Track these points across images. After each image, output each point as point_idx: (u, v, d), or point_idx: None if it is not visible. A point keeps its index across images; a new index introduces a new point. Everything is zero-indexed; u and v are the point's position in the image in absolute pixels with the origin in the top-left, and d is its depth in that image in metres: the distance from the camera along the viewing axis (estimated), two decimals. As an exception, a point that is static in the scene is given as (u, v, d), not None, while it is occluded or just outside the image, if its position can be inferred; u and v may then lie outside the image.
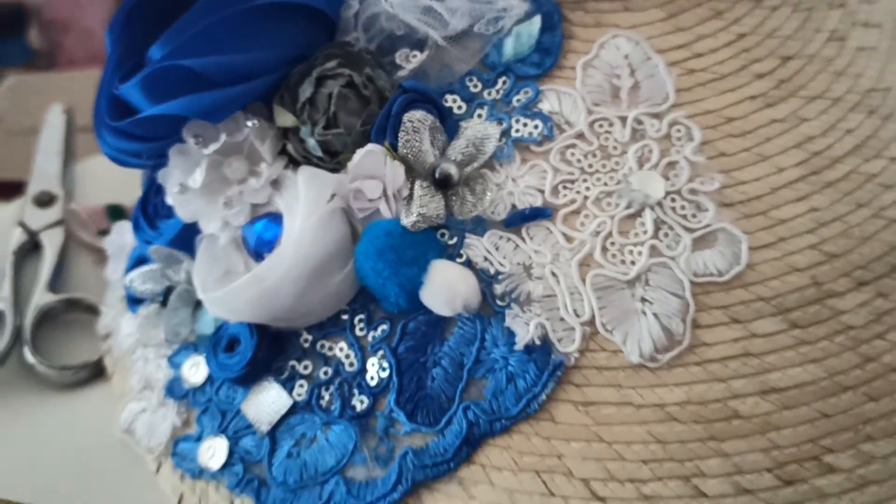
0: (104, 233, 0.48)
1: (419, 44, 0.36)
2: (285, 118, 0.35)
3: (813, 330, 0.31)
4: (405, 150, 0.34)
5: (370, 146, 0.34)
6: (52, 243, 0.47)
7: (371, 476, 0.32)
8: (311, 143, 0.35)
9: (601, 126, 0.34)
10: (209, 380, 0.36)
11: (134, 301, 0.39)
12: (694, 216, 0.33)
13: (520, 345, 0.32)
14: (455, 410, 0.32)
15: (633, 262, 0.32)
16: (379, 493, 0.31)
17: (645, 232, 0.32)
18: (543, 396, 0.31)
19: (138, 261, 0.40)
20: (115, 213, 0.49)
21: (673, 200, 0.33)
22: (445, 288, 0.32)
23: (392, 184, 0.33)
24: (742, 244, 0.32)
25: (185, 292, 0.36)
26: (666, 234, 0.32)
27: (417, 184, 0.34)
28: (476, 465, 0.31)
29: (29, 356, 0.41)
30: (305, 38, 0.36)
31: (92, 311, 0.44)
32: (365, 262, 0.33)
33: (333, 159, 0.35)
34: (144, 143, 0.36)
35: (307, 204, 0.33)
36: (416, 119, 0.34)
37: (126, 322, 0.41)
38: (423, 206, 0.33)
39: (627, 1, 0.36)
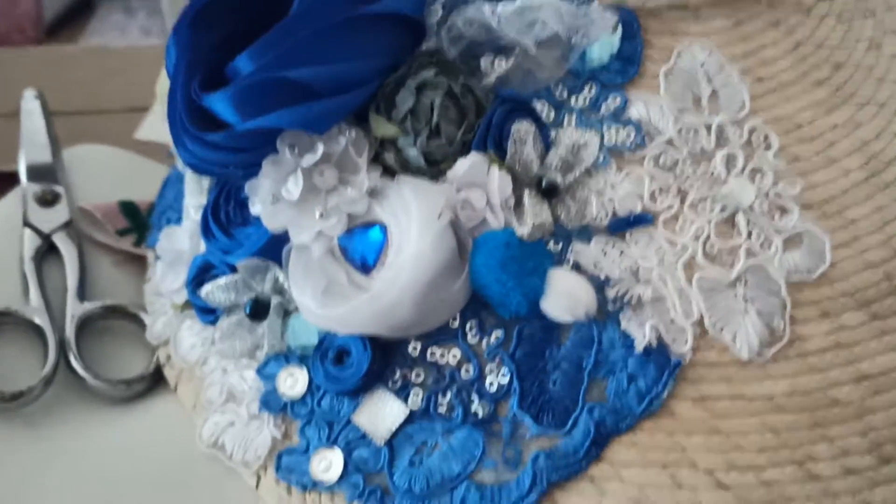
0: (122, 232, 0.45)
1: (500, 50, 0.35)
2: (386, 128, 0.33)
3: (892, 321, 0.34)
4: (512, 161, 0.33)
5: (474, 155, 0.33)
6: (66, 246, 0.43)
7: (501, 480, 0.32)
8: (413, 153, 0.33)
9: (688, 133, 0.35)
10: (309, 391, 0.35)
11: (205, 311, 0.37)
12: (781, 219, 0.34)
13: (639, 347, 0.32)
14: (580, 412, 0.32)
15: (731, 265, 0.33)
16: (515, 495, 0.31)
17: (740, 235, 0.34)
18: (665, 395, 0.32)
19: (202, 269, 0.37)
20: (129, 210, 0.45)
21: (761, 204, 0.34)
22: (567, 296, 0.32)
23: (499, 194, 0.33)
24: (826, 244, 0.34)
25: (279, 305, 0.35)
26: (758, 237, 0.34)
27: (526, 193, 0.33)
28: (605, 462, 0.32)
29: (81, 371, 0.38)
30: (398, 46, 0.34)
31: (131, 318, 0.41)
32: (488, 274, 0.32)
33: (433, 169, 0.34)
34: (233, 153, 0.33)
35: (422, 216, 0.32)
36: (523, 130, 0.33)
37: (188, 332, 0.38)
38: (536, 215, 0.33)
39: (697, 10, 0.37)
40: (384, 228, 0.33)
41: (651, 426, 0.32)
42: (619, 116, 0.35)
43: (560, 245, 0.33)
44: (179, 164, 0.42)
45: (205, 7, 0.34)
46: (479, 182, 0.33)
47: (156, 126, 0.55)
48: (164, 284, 0.39)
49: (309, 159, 0.33)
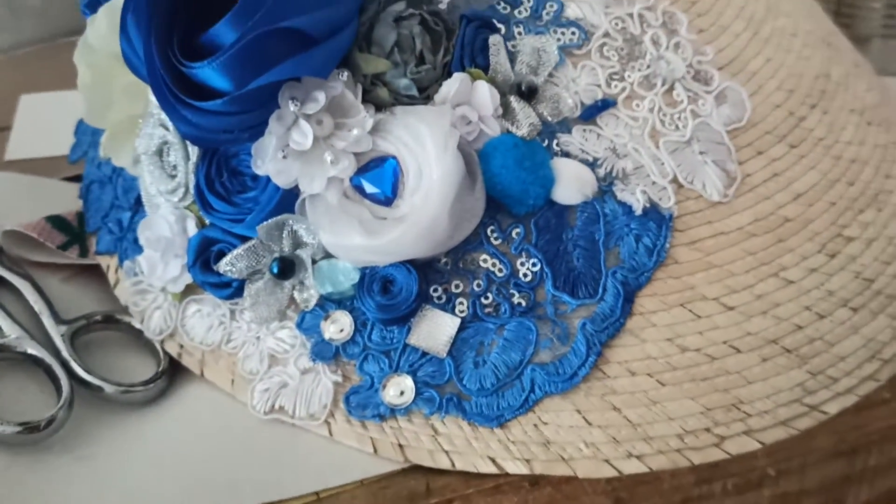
0: (64, 247, 0.42)
1: None
2: (377, 64, 0.34)
3: (802, 147, 0.40)
4: (494, 72, 0.36)
5: (458, 75, 0.35)
6: (10, 274, 0.39)
7: (558, 354, 0.35)
8: (404, 83, 0.35)
9: (617, 24, 0.39)
10: (356, 330, 0.35)
11: (220, 287, 0.36)
12: (706, 82, 0.39)
13: (638, 210, 0.36)
14: (606, 278, 0.36)
15: (684, 126, 0.38)
16: (577, 363, 0.35)
17: (682, 101, 0.38)
18: (668, 245, 0.36)
19: (202, 246, 0.36)
20: (60, 224, 0.42)
21: (689, 73, 0.39)
22: (576, 179, 0.36)
23: (490, 104, 0.35)
24: (743, 94, 0.40)
25: (307, 257, 0.35)
26: (694, 100, 0.39)
27: (512, 99, 0.36)
28: (636, 315, 0.36)
29: (98, 383, 0.36)
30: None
31: (115, 323, 0.39)
32: (508, 175, 0.34)
33: (422, 94, 0.35)
34: (236, 117, 0.33)
35: (435, 138, 0.34)
36: (497, 41, 0.36)
37: (199, 317, 0.37)
38: (528, 116, 0.36)
39: (589, -90, 0.40)
40: (395, 159, 0.35)
41: (662, 275, 0.36)
42: (559, 20, 0.38)
43: (546, 140, 0.36)
44: (124, 161, 0.40)
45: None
46: (466, 98, 0.35)
47: (24, 142, 0.50)
48: (154, 277, 0.37)
49: (312, 107, 0.33)
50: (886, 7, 0.62)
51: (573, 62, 0.38)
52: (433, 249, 0.34)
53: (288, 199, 0.35)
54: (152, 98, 0.37)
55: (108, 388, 0.36)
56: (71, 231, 0.42)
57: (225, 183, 0.36)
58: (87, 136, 0.46)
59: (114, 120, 0.39)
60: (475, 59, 0.36)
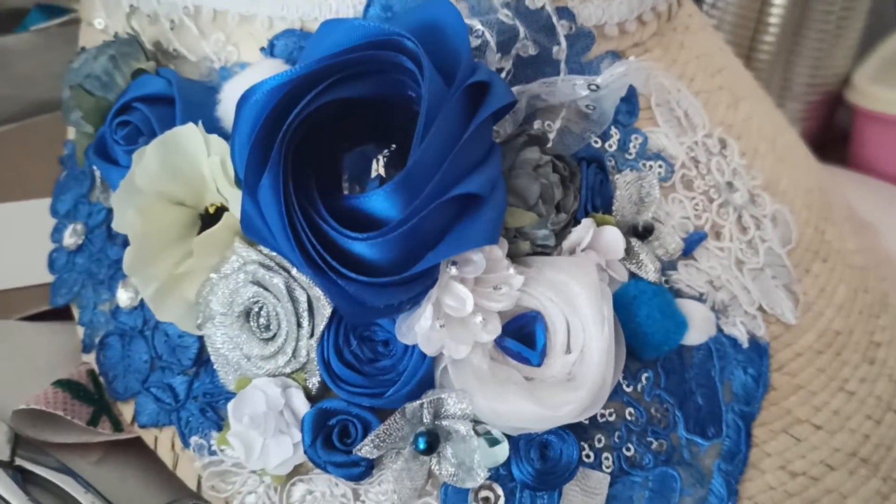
0: (93, 421, 0.34)
1: (535, 115, 0.35)
2: (523, 217, 0.32)
3: (830, 260, 0.43)
4: (619, 215, 0.34)
5: (586, 221, 0.33)
6: (43, 469, 0.31)
7: (698, 497, 0.34)
8: (544, 233, 0.32)
9: (689, 153, 0.39)
10: (506, 498, 0.32)
11: (350, 466, 0.31)
12: (761, 206, 0.40)
13: (745, 343, 0.36)
14: (726, 414, 0.35)
15: (756, 253, 0.39)
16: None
17: (749, 227, 0.39)
18: (769, 373, 0.37)
19: (319, 421, 0.31)
20: (79, 392, 0.34)
21: (749, 199, 0.40)
22: (704, 321, 0.35)
23: (620, 249, 0.34)
24: (787, 215, 0.41)
25: (460, 428, 0.31)
26: (758, 225, 0.40)
27: (636, 242, 0.34)
28: (754, 447, 0.36)
29: None
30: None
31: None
32: (653, 324, 0.33)
33: (557, 242, 0.33)
34: (400, 289, 0.28)
35: (586, 291, 0.32)
36: (621, 184, 0.34)
37: (309, 502, 0.32)
38: (652, 260, 0.34)
39: (645, 44, 0.40)
40: (539, 315, 0.32)
41: (765, 403, 0.37)
42: (645, 152, 0.37)
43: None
44: (173, 316, 0.33)
45: (298, 124, 0.28)
46: (592, 243, 0.34)
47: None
48: (253, 459, 0.31)
49: (471, 271, 0.30)
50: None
51: (664, 195, 0.37)
52: (595, 410, 0.32)
53: (430, 367, 0.31)
54: (242, 252, 0.31)
55: None
56: (91, 399, 0.34)
57: (355, 351, 0.31)
58: (73, 273, 0.38)
59: (167, 272, 0.32)
60: (594, 202, 0.34)
